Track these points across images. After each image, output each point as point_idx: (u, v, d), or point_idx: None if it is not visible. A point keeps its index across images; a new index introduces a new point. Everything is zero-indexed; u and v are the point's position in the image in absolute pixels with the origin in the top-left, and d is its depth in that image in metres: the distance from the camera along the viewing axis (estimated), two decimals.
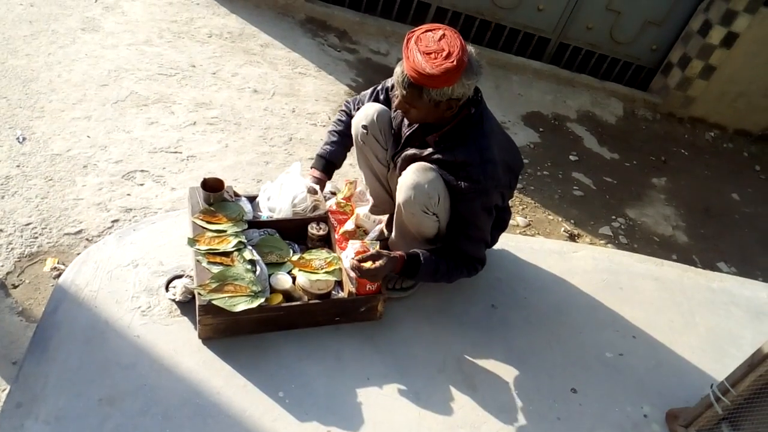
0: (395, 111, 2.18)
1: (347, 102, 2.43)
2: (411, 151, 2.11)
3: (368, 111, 2.25)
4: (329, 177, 2.42)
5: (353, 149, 2.40)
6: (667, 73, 4.99)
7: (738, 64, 4.77)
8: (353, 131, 2.31)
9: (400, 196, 2.06)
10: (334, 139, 2.40)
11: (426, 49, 1.84)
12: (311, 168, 2.41)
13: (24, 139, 2.67)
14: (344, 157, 2.44)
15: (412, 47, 1.86)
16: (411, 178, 2.01)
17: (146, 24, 3.74)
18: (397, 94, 1.97)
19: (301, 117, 3.44)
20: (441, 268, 2.10)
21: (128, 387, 1.82)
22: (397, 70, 1.94)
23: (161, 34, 3.70)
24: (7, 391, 1.78)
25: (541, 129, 4.28)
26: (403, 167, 2.10)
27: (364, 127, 2.25)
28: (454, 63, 1.82)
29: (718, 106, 5.03)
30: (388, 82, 2.30)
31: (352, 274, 2.09)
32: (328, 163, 2.39)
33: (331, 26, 4.43)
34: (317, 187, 2.37)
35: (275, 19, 4.24)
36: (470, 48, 1.92)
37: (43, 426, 1.68)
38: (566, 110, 4.63)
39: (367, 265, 1.99)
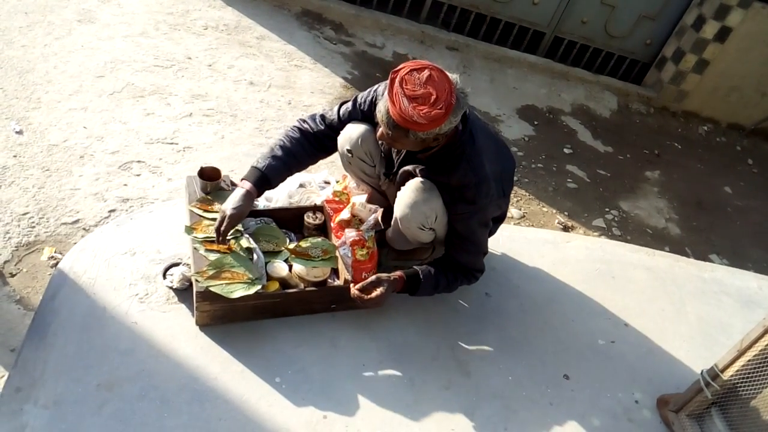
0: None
1: (304, 120, 2.19)
2: (409, 168, 2.07)
3: (352, 134, 2.13)
4: (260, 194, 2.08)
5: (338, 160, 2.30)
6: (661, 67, 5.02)
7: (731, 59, 4.80)
8: (339, 151, 2.20)
9: (398, 211, 2.07)
10: (278, 153, 2.09)
11: (412, 93, 1.73)
12: (241, 180, 2.08)
13: (20, 130, 2.68)
14: (282, 180, 2.15)
15: (397, 90, 1.74)
16: (409, 197, 2.00)
17: (142, 16, 3.74)
18: (382, 129, 1.89)
19: (297, 109, 3.46)
20: (441, 282, 2.12)
21: (126, 372, 1.84)
22: (381, 107, 1.84)
23: (157, 26, 3.70)
24: (5, 377, 1.80)
25: (535, 122, 4.31)
26: (402, 182, 2.10)
27: (349, 150, 2.17)
28: (442, 110, 1.73)
29: (712, 100, 5.07)
30: (360, 98, 2.16)
31: (348, 261, 2.12)
32: (262, 178, 2.05)
33: (326, 19, 4.44)
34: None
35: (271, 12, 4.25)
36: (454, 77, 1.82)
37: (42, 410, 1.70)
38: (561, 104, 4.66)
39: (372, 294, 2.00)
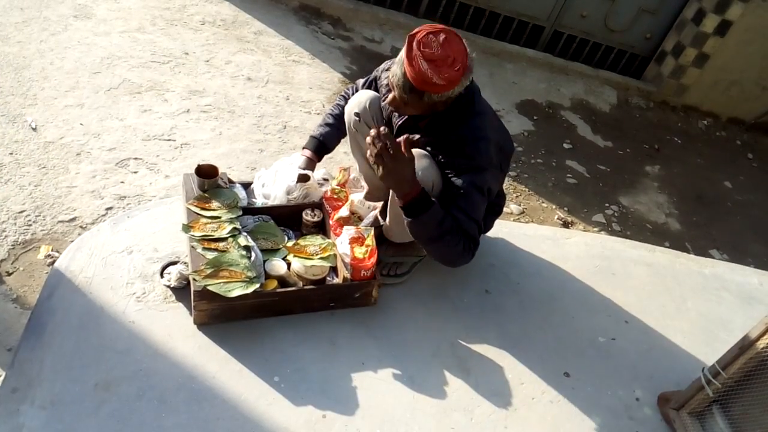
0: (384, 102, 2.16)
1: (347, 88, 2.44)
2: (403, 137, 2.09)
3: (360, 98, 2.26)
4: (319, 159, 2.41)
5: (347, 137, 2.40)
6: (661, 62, 5.00)
7: (731, 53, 4.78)
8: (346, 118, 2.32)
9: None
10: (330, 121, 2.40)
11: (431, 56, 1.79)
12: (303, 148, 2.41)
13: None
14: (337, 142, 2.44)
15: (416, 53, 1.80)
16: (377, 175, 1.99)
17: (139, 11, 3.72)
18: (394, 94, 1.94)
19: (295, 105, 3.44)
20: (446, 223, 1.94)
21: (124, 372, 1.83)
22: (396, 71, 1.88)
23: (154, 21, 3.68)
24: (2, 377, 1.78)
25: (535, 117, 4.29)
26: None
27: (357, 114, 2.25)
28: (461, 71, 1.82)
29: (712, 94, 5.05)
30: (376, 73, 2.30)
31: (347, 259, 2.11)
32: (320, 144, 2.38)
33: (324, 13, 4.41)
34: (309, 173, 2.37)
35: (268, 6, 4.22)
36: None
37: (38, 411, 1.68)
38: (560, 98, 4.64)
39: (392, 159, 1.82)
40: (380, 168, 1.85)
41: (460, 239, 1.98)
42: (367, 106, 2.24)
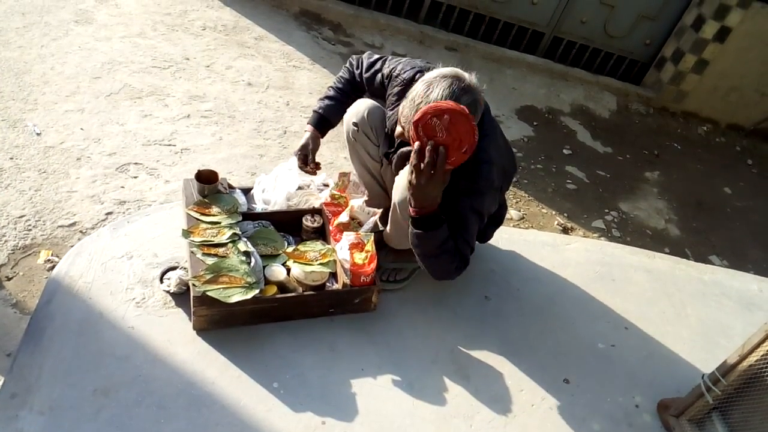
0: (391, 111, 2.14)
1: (351, 60, 2.33)
2: (407, 149, 2.05)
3: (359, 108, 2.24)
4: (323, 134, 2.34)
5: (345, 144, 2.39)
6: (661, 68, 5.01)
7: (731, 59, 4.79)
8: (344, 128, 2.30)
9: (396, 196, 2.05)
10: (332, 94, 2.33)
11: (438, 141, 1.74)
12: (307, 124, 2.34)
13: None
14: (341, 116, 2.35)
15: (423, 140, 1.75)
16: (407, 178, 1.99)
17: (140, 16, 3.73)
18: (402, 131, 1.90)
19: (295, 110, 3.44)
20: (447, 244, 1.95)
21: (123, 378, 1.82)
22: (407, 113, 1.84)
23: (155, 26, 3.69)
24: (1, 382, 1.78)
25: (534, 123, 4.30)
26: (399, 165, 2.09)
27: (355, 124, 2.23)
28: (468, 153, 1.77)
29: (711, 100, 5.06)
30: (385, 69, 2.18)
31: (346, 265, 2.11)
32: (322, 119, 2.31)
33: (325, 19, 4.42)
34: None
35: (269, 12, 4.23)
36: (472, 79, 1.83)
37: (37, 416, 1.68)
38: (560, 104, 4.65)
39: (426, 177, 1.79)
40: (416, 177, 1.80)
41: (454, 259, 1.99)
42: (366, 117, 2.22)
